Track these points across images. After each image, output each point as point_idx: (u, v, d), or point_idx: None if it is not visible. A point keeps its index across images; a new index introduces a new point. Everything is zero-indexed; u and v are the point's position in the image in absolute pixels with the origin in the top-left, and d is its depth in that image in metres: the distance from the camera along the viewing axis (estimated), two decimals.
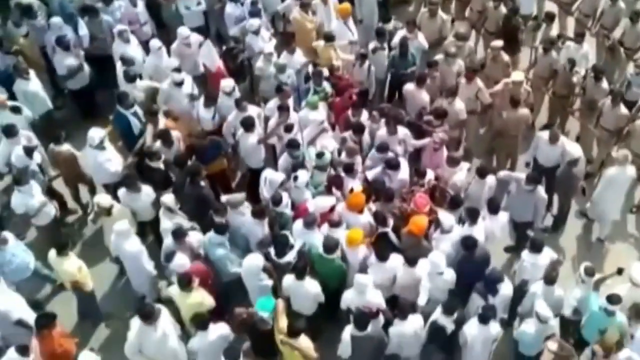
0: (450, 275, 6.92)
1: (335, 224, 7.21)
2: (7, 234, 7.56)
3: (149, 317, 6.45)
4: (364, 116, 8.63)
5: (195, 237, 7.37)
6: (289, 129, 8.24)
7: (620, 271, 7.06)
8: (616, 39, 9.83)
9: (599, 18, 10.37)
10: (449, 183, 8.00)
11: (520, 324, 6.92)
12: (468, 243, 6.97)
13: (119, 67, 9.27)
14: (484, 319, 6.42)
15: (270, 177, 7.84)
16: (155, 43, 9.41)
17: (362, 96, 9.09)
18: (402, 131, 8.38)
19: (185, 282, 6.74)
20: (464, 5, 10.86)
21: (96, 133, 8.21)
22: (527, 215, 7.85)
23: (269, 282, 7.01)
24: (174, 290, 6.89)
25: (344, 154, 8.12)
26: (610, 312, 6.53)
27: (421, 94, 8.94)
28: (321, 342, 6.97)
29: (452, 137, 8.69)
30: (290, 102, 8.82)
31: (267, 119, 8.81)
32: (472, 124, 9.39)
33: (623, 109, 8.75)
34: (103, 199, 7.74)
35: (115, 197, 7.96)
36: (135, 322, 6.60)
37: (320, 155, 7.86)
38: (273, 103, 8.75)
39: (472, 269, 7.01)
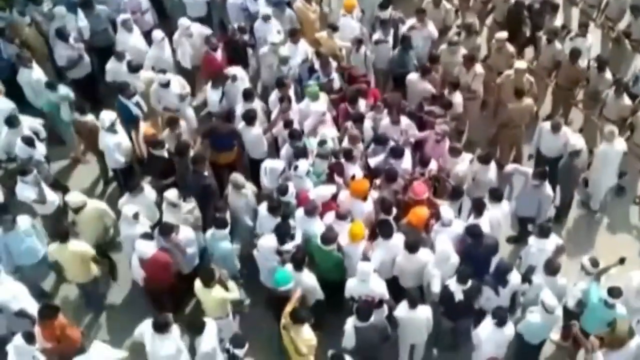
0: (455, 259, 7.00)
1: (342, 217, 7.25)
2: (21, 218, 7.61)
3: (162, 327, 6.36)
4: (363, 106, 8.66)
5: (184, 234, 7.30)
6: (287, 124, 8.28)
7: (622, 261, 7.10)
8: (621, 30, 9.80)
9: (603, 9, 10.36)
10: (451, 174, 8.03)
11: (523, 314, 6.96)
12: (474, 231, 7.02)
13: (111, 62, 9.27)
14: (500, 321, 6.44)
15: (270, 166, 7.90)
16: (157, 34, 9.44)
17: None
18: (405, 121, 8.42)
19: (207, 279, 6.76)
20: None
21: (107, 115, 8.27)
22: (531, 211, 7.83)
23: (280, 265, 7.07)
24: (197, 285, 6.92)
25: (345, 141, 8.16)
26: (610, 304, 6.56)
27: (424, 85, 8.95)
28: (325, 332, 7.04)
29: (452, 128, 8.70)
30: (292, 93, 8.85)
31: (269, 112, 8.85)
32: (474, 112, 9.40)
33: (626, 100, 8.76)
34: (74, 197, 7.71)
35: (125, 184, 8.04)
36: (147, 326, 6.52)
37: (322, 143, 7.92)
38: (274, 96, 8.79)
39: (479, 258, 7.06)
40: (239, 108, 8.68)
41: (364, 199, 7.47)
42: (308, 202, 7.37)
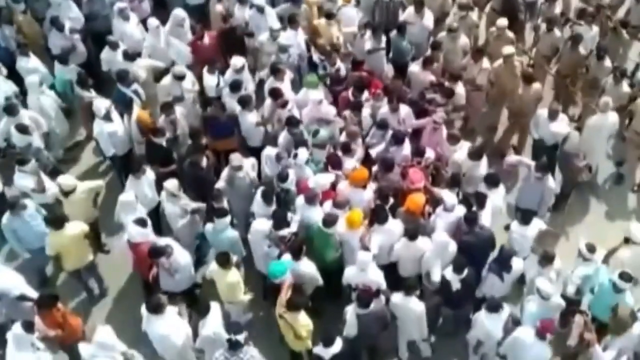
0: (453, 247, 7.06)
1: (339, 205, 7.28)
2: (28, 202, 7.63)
3: (155, 308, 6.42)
4: (364, 94, 8.69)
5: (177, 258, 7.10)
6: (283, 105, 8.29)
7: (627, 240, 7.15)
8: (618, 20, 9.80)
9: None
10: (449, 161, 8.07)
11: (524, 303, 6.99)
12: (471, 218, 7.07)
13: (105, 52, 9.29)
14: (493, 309, 6.50)
15: (268, 154, 7.96)
16: (153, 22, 9.43)
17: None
18: (404, 109, 8.44)
19: (224, 261, 6.80)
20: None
21: (102, 103, 8.27)
22: (533, 203, 7.82)
23: (275, 250, 7.12)
24: (213, 268, 6.98)
25: (344, 135, 8.17)
26: (618, 288, 6.57)
27: (426, 76, 8.97)
28: (323, 319, 7.11)
29: (455, 118, 8.81)
30: (288, 82, 8.86)
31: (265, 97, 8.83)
32: (477, 102, 9.43)
33: (625, 87, 8.81)
34: (66, 180, 7.74)
35: (124, 173, 8.07)
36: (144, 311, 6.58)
37: (315, 133, 7.93)
38: (269, 83, 8.81)
39: (476, 248, 7.10)
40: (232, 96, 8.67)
41: (363, 187, 7.51)
42: (308, 190, 7.40)
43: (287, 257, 6.97)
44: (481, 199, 7.33)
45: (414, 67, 9.12)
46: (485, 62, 9.12)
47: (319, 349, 6.33)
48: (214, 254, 7.18)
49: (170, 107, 8.40)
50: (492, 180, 7.56)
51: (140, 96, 8.87)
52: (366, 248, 7.03)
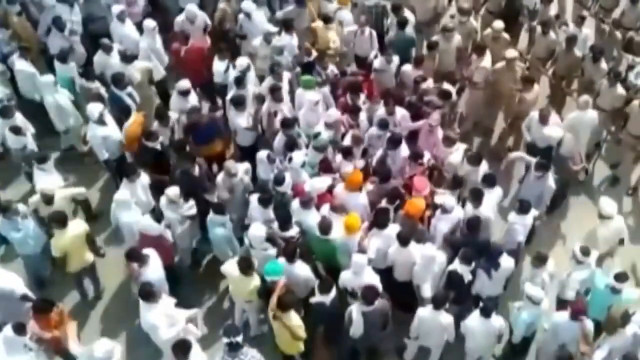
0: (442, 258, 7.09)
1: (336, 209, 7.31)
2: (21, 206, 7.66)
3: (147, 296, 6.52)
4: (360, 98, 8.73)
5: (150, 271, 7.09)
6: (275, 114, 8.32)
7: (621, 241, 7.20)
8: (611, 23, 9.88)
9: None
10: (444, 163, 8.10)
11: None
12: (473, 224, 7.11)
13: (99, 55, 9.29)
14: (486, 312, 6.55)
15: (260, 157, 7.99)
16: (149, 23, 9.44)
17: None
18: (400, 112, 8.48)
19: (246, 267, 6.82)
20: None
21: (95, 107, 8.28)
22: (532, 201, 7.79)
23: (273, 251, 7.16)
24: (232, 269, 7.00)
25: (348, 139, 8.20)
26: (616, 290, 6.65)
27: (417, 74, 8.98)
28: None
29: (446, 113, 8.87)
30: (286, 83, 8.90)
31: (262, 99, 8.81)
32: (476, 100, 9.50)
33: (620, 89, 8.86)
34: (46, 185, 7.74)
35: (118, 176, 8.09)
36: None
37: (316, 136, 7.92)
38: (267, 83, 8.84)
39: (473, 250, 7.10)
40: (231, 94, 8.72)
41: (359, 190, 7.54)
42: (304, 194, 7.42)
43: (281, 260, 6.99)
44: (478, 195, 7.37)
45: (406, 67, 9.17)
46: (486, 61, 9.15)
47: (317, 297, 6.51)
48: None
49: (165, 114, 8.39)
50: (488, 181, 7.61)
51: (135, 99, 8.87)
52: (362, 250, 7.05)
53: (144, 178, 7.92)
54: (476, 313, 6.64)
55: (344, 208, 7.37)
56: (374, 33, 9.59)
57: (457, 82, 9.61)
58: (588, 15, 10.26)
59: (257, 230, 7.14)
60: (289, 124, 8.09)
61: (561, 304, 7.09)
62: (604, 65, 9.18)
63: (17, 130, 8.30)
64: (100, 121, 8.28)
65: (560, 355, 6.48)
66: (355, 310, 6.55)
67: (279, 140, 8.17)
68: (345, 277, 6.92)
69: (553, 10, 10.33)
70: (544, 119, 8.33)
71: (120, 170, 8.40)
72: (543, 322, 6.87)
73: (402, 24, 9.49)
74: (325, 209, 7.41)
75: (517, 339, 6.90)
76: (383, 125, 8.14)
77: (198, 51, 9.43)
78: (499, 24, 9.46)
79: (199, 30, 9.78)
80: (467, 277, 6.84)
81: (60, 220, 7.27)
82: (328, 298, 6.59)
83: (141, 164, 8.27)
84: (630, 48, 9.47)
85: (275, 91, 8.49)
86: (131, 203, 7.48)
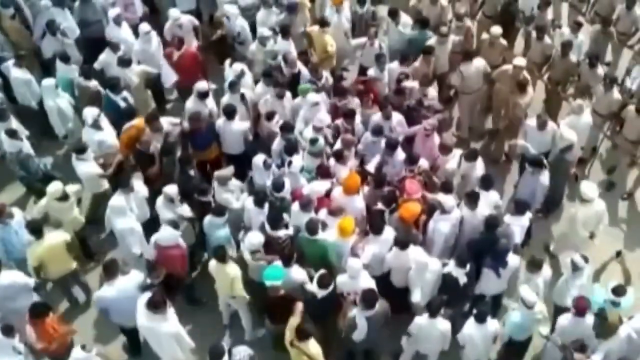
0: (436, 266, 7.10)
1: (334, 213, 7.33)
2: (15, 210, 7.68)
3: (156, 306, 6.49)
4: (356, 102, 8.78)
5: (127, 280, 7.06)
6: (269, 117, 8.35)
7: (618, 254, 7.23)
8: (601, 18, 10.02)
9: (593, 3, 10.50)
10: (440, 170, 8.16)
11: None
12: (491, 222, 7.13)
13: (106, 53, 9.32)
14: (481, 318, 6.59)
15: (256, 162, 8.01)
16: (144, 27, 9.47)
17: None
18: (397, 117, 8.52)
19: (221, 255, 6.96)
20: None
21: (90, 111, 8.29)
22: (527, 198, 7.96)
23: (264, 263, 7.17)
24: (212, 264, 7.13)
25: (339, 144, 8.23)
26: (616, 303, 6.65)
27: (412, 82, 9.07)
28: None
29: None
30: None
31: (255, 103, 8.91)
32: (469, 104, 9.56)
33: (616, 94, 8.94)
34: (55, 186, 7.75)
35: (114, 180, 8.13)
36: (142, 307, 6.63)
37: (313, 141, 7.98)
38: (260, 87, 8.89)
39: (486, 249, 7.17)
40: (225, 98, 8.76)
41: (357, 193, 7.57)
42: (302, 197, 7.46)
43: (277, 264, 6.99)
44: (474, 198, 7.44)
45: (393, 64, 9.28)
46: (471, 67, 9.21)
47: (311, 287, 6.62)
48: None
49: (156, 118, 8.41)
50: (485, 183, 7.68)
51: (130, 104, 8.89)
52: (355, 255, 7.07)
53: (140, 190, 7.88)
54: (471, 320, 6.68)
55: (341, 210, 7.40)
56: (383, 45, 9.63)
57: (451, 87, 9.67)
58: (583, 20, 10.32)
59: (254, 238, 7.16)
60: (288, 128, 8.12)
61: (560, 311, 7.09)
62: (600, 70, 9.26)
63: (12, 134, 8.32)
64: (96, 125, 8.29)
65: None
66: (358, 315, 6.56)
67: (278, 144, 8.19)
68: (342, 281, 6.95)
69: (549, 15, 10.39)
70: (542, 126, 8.38)
71: (114, 181, 8.36)
72: (540, 329, 6.88)
73: (424, 23, 9.63)
74: (323, 213, 7.42)
75: (504, 338, 6.94)
76: (377, 131, 8.17)
77: (192, 56, 9.47)
78: (497, 29, 9.53)
79: (190, 34, 9.82)
80: (462, 280, 6.88)
81: (36, 230, 7.29)
82: (321, 293, 6.63)
83: (136, 166, 8.30)
84: None
85: (277, 85, 8.54)
86: (126, 209, 7.47)
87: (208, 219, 7.48)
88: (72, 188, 7.99)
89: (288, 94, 8.78)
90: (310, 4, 10.38)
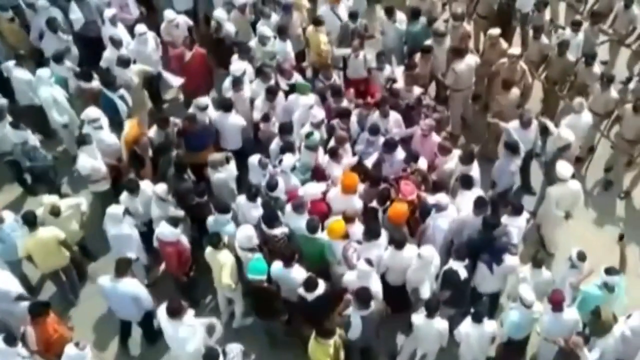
0: (437, 260, 7.15)
1: (348, 220, 7.30)
2: (6, 213, 7.75)
3: (174, 313, 6.57)
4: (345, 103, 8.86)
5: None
6: (265, 118, 8.40)
7: (621, 237, 7.31)
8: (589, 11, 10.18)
9: (593, 3, 10.56)
10: (438, 170, 8.21)
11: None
12: (489, 222, 7.21)
13: (109, 50, 9.39)
14: (478, 318, 6.64)
15: (252, 161, 8.07)
16: (140, 28, 9.54)
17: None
18: (394, 116, 8.58)
19: (216, 241, 7.13)
20: None
21: (92, 112, 8.37)
22: (503, 179, 8.22)
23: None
24: (208, 251, 7.27)
25: (332, 141, 8.28)
26: (610, 287, 6.76)
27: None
28: None
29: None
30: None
31: (251, 100, 8.96)
32: (461, 101, 9.65)
33: (613, 93, 8.99)
34: (51, 199, 7.80)
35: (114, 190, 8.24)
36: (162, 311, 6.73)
37: (309, 135, 8.04)
38: (256, 85, 8.97)
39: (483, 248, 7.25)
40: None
41: (354, 192, 7.60)
42: (296, 199, 7.51)
43: (278, 264, 7.04)
44: (467, 180, 7.65)
45: (398, 71, 9.31)
46: (462, 64, 9.28)
47: (301, 291, 6.69)
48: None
49: (167, 121, 8.49)
50: (465, 183, 7.75)
51: (127, 102, 8.96)
52: (346, 259, 7.10)
53: (147, 189, 7.87)
54: (468, 319, 6.73)
55: (305, 205, 7.48)
56: (369, 57, 9.58)
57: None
58: (582, 19, 10.37)
59: (246, 231, 7.23)
60: (287, 129, 8.18)
61: None
62: (597, 69, 9.31)
63: (16, 125, 8.43)
64: (97, 125, 8.36)
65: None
66: (353, 315, 6.61)
67: (276, 144, 8.24)
68: (349, 280, 6.95)
69: (547, 15, 10.46)
70: (527, 124, 8.42)
71: (116, 178, 8.48)
72: (537, 327, 6.94)
73: (415, 13, 9.74)
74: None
75: (503, 338, 6.99)
76: (374, 130, 8.22)
77: (202, 57, 9.52)
78: (495, 30, 9.59)
79: (185, 33, 9.90)
80: (463, 274, 6.93)
81: (30, 221, 7.38)
82: (310, 296, 6.69)
83: (133, 166, 8.39)
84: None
85: (270, 92, 8.60)
86: (122, 218, 7.49)
87: (213, 217, 7.53)
88: (68, 202, 7.99)
89: (280, 95, 8.83)
90: (309, 5, 10.43)
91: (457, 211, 7.55)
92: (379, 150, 8.17)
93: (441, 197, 7.47)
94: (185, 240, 7.56)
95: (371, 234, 7.15)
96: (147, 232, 7.86)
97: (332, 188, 7.79)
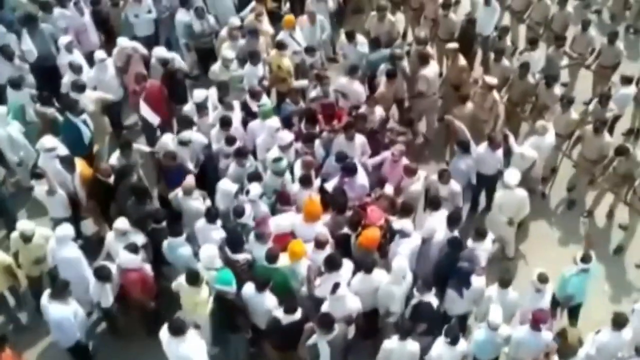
0: (409, 278, 7.19)
1: (321, 245, 7.30)
2: None
3: (176, 331, 6.58)
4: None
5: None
6: (230, 141, 8.38)
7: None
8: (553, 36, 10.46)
9: (548, 24, 10.85)
10: (405, 192, 8.25)
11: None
12: (455, 242, 7.29)
13: (68, 76, 9.31)
14: (454, 340, 6.63)
15: (223, 188, 7.99)
16: (99, 54, 9.49)
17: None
18: (359, 139, 8.63)
19: (194, 278, 6.99)
20: (418, 14, 11.28)
21: (48, 141, 8.27)
22: (459, 177, 8.48)
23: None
24: (181, 283, 7.13)
25: (298, 167, 8.28)
26: (585, 269, 7.20)
27: (352, 85, 9.37)
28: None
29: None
30: (238, 112, 9.00)
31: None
32: (429, 107, 9.87)
33: (573, 114, 9.21)
34: (24, 225, 7.66)
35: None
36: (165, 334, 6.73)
37: (276, 160, 8.04)
38: (217, 113, 8.95)
39: (450, 270, 7.29)
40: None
41: (316, 220, 7.59)
42: (261, 227, 7.47)
43: (250, 286, 7.02)
44: (433, 202, 7.84)
45: (342, 80, 9.53)
46: (428, 69, 9.52)
47: (278, 313, 6.72)
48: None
49: (129, 146, 8.41)
50: (433, 203, 7.87)
51: (89, 127, 8.87)
52: (309, 280, 7.10)
53: (117, 224, 7.66)
54: (440, 341, 6.72)
55: (269, 235, 7.45)
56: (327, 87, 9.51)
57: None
58: (540, 41, 10.64)
59: (209, 251, 7.19)
60: (242, 153, 8.18)
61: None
62: (557, 90, 9.55)
63: None
64: (52, 153, 8.23)
65: None
66: (319, 342, 6.56)
67: (233, 169, 8.21)
68: (325, 309, 6.89)
69: (507, 40, 10.73)
70: (495, 146, 8.57)
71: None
72: (505, 349, 6.99)
73: (376, 40, 9.94)
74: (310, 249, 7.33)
75: (469, 357, 7.02)
76: (341, 158, 8.21)
77: (155, 88, 9.41)
78: (452, 45, 9.91)
79: (138, 68, 9.74)
80: (435, 303, 6.95)
81: None
82: (287, 318, 6.66)
83: (90, 195, 8.28)
84: None
85: (224, 124, 8.56)
86: (70, 241, 7.43)
87: (167, 242, 7.48)
88: (43, 231, 7.80)
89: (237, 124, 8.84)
90: (272, 30, 10.50)
91: (420, 238, 7.57)
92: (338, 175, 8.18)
93: (406, 224, 7.51)
94: (148, 267, 7.47)
95: (332, 265, 7.06)
96: None
97: (296, 215, 7.77)
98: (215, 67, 9.61)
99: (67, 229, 7.44)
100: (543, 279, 7.12)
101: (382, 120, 9.01)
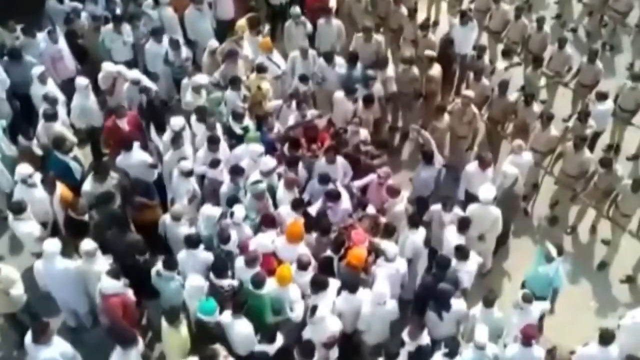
0: (392, 305, 7.18)
1: (303, 266, 7.32)
2: None
3: (126, 343, 6.58)
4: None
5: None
6: (214, 164, 8.39)
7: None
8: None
9: (526, 43, 11.04)
10: (388, 213, 8.29)
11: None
12: (443, 262, 7.32)
13: (42, 108, 9.23)
14: (451, 354, 6.63)
15: (207, 213, 7.96)
16: (81, 81, 9.47)
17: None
18: (340, 161, 8.68)
19: (174, 317, 6.91)
20: (397, 35, 11.42)
21: (24, 169, 8.19)
22: (417, 187, 8.87)
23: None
24: (163, 327, 7.02)
25: (282, 188, 8.29)
26: (550, 258, 7.43)
27: (347, 105, 9.55)
28: None
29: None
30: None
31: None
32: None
33: (553, 131, 9.34)
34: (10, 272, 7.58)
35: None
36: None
37: (255, 182, 8.07)
38: (202, 134, 8.97)
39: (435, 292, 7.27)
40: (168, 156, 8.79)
41: (298, 242, 7.58)
42: (249, 253, 7.44)
43: (228, 313, 6.98)
44: (413, 220, 7.83)
45: (339, 94, 9.63)
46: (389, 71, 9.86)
47: (262, 346, 6.66)
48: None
49: (106, 171, 8.39)
50: (413, 222, 7.90)
51: (80, 161, 8.89)
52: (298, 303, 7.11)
53: (83, 245, 7.61)
54: (439, 354, 6.71)
55: (258, 259, 7.42)
56: (304, 105, 9.61)
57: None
58: (518, 60, 10.82)
59: (197, 281, 7.15)
60: (238, 171, 8.21)
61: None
62: (536, 108, 9.70)
63: None
64: (29, 184, 8.14)
65: None
66: None
67: (227, 187, 8.23)
68: (309, 335, 6.90)
69: (486, 60, 10.90)
70: (487, 164, 8.67)
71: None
72: None
73: (353, 58, 10.03)
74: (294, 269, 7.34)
75: None
76: (324, 180, 8.26)
77: (135, 120, 9.42)
78: (429, 52, 10.15)
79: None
80: (426, 341, 6.92)
81: None
82: (272, 347, 6.63)
83: (67, 232, 8.21)
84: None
85: (212, 143, 8.61)
86: (57, 254, 7.39)
87: (159, 270, 7.37)
88: (8, 272, 7.62)
89: (223, 144, 8.87)
90: (253, 55, 10.52)
91: (405, 265, 7.63)
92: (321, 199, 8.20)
93: (389, 247, 7.52)
94: (130, 292, 7.39)
95: (318, 286, 7.09)
96: None
97: (278, 237, 7.76)
98: (188, 96, 9.62)
99: (55, 244, 7.38)
100: (528, 299, 7.13)
101: (355, 145, 9.01)
